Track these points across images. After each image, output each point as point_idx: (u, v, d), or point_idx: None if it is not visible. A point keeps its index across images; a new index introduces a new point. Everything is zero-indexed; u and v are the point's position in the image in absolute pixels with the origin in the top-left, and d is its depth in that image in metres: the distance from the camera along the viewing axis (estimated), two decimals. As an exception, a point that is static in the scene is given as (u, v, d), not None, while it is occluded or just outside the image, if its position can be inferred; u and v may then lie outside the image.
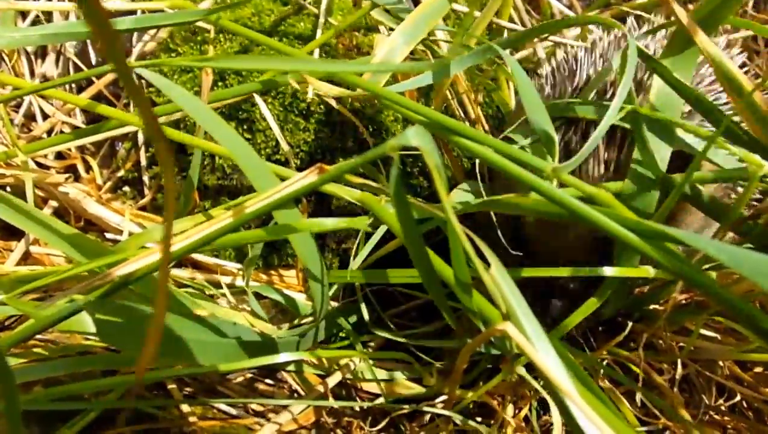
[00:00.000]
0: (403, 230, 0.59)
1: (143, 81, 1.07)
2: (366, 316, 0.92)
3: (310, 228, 0.75)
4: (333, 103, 0.93)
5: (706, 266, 0.75)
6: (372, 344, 0.99)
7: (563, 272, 0.76)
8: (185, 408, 0.81)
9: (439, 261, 0.68)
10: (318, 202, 1.03)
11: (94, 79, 1.06)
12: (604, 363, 0.92)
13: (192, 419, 0.80)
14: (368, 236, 0.90)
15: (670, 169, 0.75)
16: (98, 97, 1.06)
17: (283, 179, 0.68)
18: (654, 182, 0.75)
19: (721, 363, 0.93)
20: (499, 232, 0.85)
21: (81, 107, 1.07)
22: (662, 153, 0.76)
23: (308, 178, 0.61)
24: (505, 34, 1.15)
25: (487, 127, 1.11)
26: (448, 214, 0.52)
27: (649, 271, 0.73)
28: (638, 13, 0.98)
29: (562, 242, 0.86)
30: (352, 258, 0.89)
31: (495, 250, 0.60)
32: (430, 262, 0.65)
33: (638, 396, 0.90)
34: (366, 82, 0.79)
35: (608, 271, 0.74)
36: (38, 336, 0.80)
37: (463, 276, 0.65)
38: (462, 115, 1.09)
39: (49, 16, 1.13)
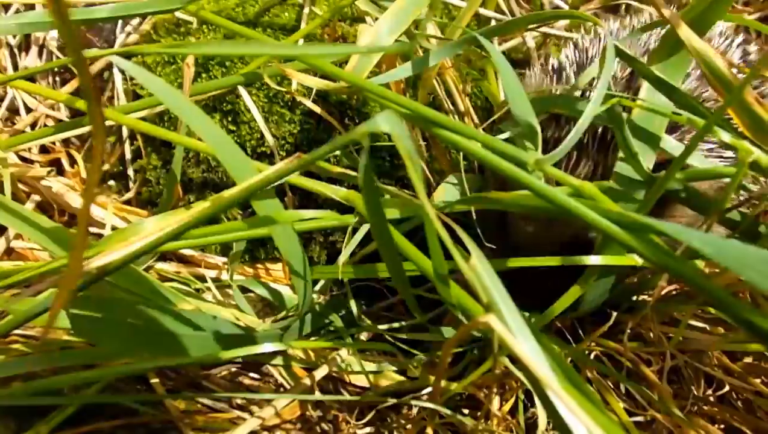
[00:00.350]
0: (370, 217, 0.58)
1: (126, 73, 1.06)
2: (354, 310, 0.92)
3: (289, 220, 0.74)
4: (310, 104, 0.92)
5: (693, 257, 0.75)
6: (360, 338, 0.98)
7: (547, 262, 0.75)
8: (167, 402, 0.80)
9: (418, 253, 0.67)
10: (305, 197, 1.02)
11: (76, 72, 1.05)
12: (592, 355, 0.92)
13: (174, 413, 0.79)
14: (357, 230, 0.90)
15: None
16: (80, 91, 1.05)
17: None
18: (639, 181, 0.75)
19: (710, 353, 0.93)
20: (477, 227, 0.84)
21: (61, 101, 1.06)
22: (648, 152, 0.75)
23: (285, 165, 0.60)
24: (493, 24, 1.14)
25: (476, 119, 1.10)
26: (422, 199, 0.51)
27: (635, 259, 0.73)
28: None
29: (543, 240, 0.86)
30: (343, 252, 0.89)
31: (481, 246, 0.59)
32: (396, 251, 0.64)
33: (626, 388, 0.89)
34: (348, 73, 0.78)
35: (594, 260, 0.73)
36: (19, 332, 0.80)
37: (439, 266, 0.64)
38: (450, 106, 1.08)
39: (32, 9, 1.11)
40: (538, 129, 0.68)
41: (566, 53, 0.97)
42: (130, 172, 1.08)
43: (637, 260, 0.73)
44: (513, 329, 0.54)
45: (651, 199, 0.70)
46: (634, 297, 0.95)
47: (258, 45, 0.74)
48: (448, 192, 0.90)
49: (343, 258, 0.87)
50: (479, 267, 0.56)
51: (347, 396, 0.89)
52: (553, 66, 0.96)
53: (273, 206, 0.75)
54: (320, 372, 0.87)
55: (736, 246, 0.50)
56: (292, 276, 0.80)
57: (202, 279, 0.95)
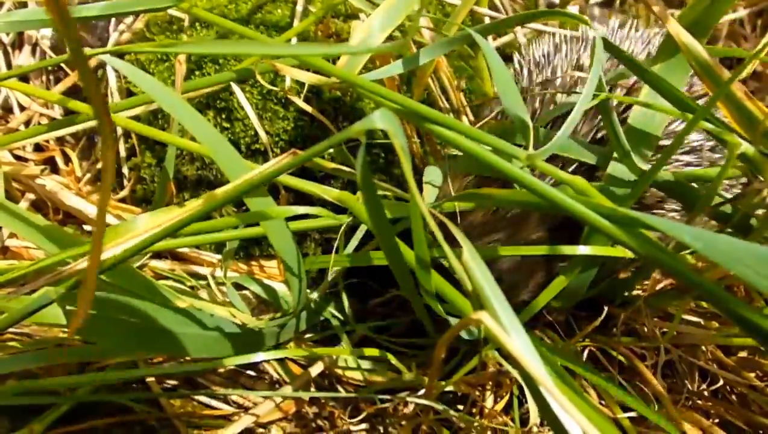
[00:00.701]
0: (370, 215, 0.58)
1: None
2: (347, 307, 0.92)
3: (281, 215, 0.74)
4: (302, 104, 0.92)
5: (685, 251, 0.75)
6: (356, 334, 0.98)
7: (534, 251, 0.75)
8: (163, 399, 0.80)
9: (405, 247, 0.67)
10: (299, 195, 1.01)
11: (68, 71, 1.05)
12: (587, 350, 0.92)
13: (170, 411, 0.79)
14: (353, 229, 0.90)
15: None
16: (74, 90, 1.05)
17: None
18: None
19: (703, 348, 0.93)
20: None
21: (53, 102, 1.06)
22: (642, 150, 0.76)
23: (280, 162, 0.60)
24: (487, 21, 1.14)
25: (471, 116, 1.10)
26: (414, 194, 0.51)
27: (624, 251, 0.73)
28: None
29: None
30: (333, 250, 0.89)
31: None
32: (398, 248, 0.64)
33: (621, 383, 0.89)
34: (341, 70, 0.78)
35: (582, 250, 0.73)
36: (13, 330, 0.80)
37: (422, 254, 0.65)
38: (445, 103, 1.08)
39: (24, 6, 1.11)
40: (530, 123, 0.68)
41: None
42: (125, 170, 1.08)
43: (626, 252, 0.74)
44: (505, 326, 0.54)
45: (639, 189, 0.71)
46: (628, 292, 0.95)
47: (250, 44, 0.74)
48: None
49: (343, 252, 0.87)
50: (471, 264, 0.56)
51: (343, 393, 0.89)
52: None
53: (266, 204, 0.75)
54: (316, 369, 0.87)
55: (726, 241, 0.51)
56: (287, 273, 0.80)
57: (196, 276, 0.95)
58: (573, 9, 1.37)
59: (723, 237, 0.51)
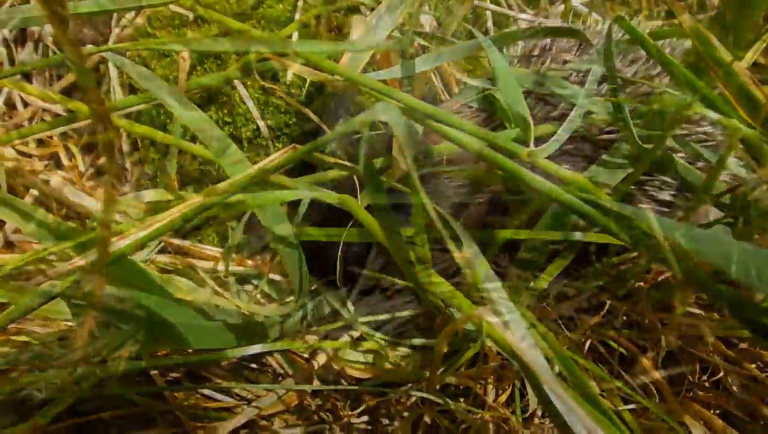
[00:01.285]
0: (375, 208, 0.59)
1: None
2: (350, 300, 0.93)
3: (276, 200, 0.74)
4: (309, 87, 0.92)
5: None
6: (358, 327, 0.99)
7: (523, 235, 0.76)
8: (167, 392, 0.81)
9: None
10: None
11: (79, 83, 1.05)
12: (588, 342, 0.92)
13: (173, 403, 0.80)
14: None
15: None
16: (77, 86, 1.05)
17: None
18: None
19: (704, 339, 0.93)
20: None
21: (54, 101, 1.06)
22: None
23: (280, 156, 0.61)
24: (488, 15, 1.14)
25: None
26: (415, 184, 0.52)
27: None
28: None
29: None
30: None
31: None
32: (403, 241, 0.65)
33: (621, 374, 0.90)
34: (344, 69, 0.78)
35: (578, 236, 0.74)
36: (17, 325, 0.80)
37: (420, 242, 0.65)
38: (447, 96, 1.08)
39: (27, 2, 1.12)
40: (530, 121, 0.68)
41: None
42: (128, 164, 1.08)
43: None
44: (506, 320, 0.55)
45: (641, 169, 0.71)
46: (629, 284, 0.95)
47: (252, 41, 0.74)
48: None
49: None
50: (473, 258, 0.57)
51: (345, 386, 0.90)
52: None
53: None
54: (318, 362, 0.88)
55: (723, 243, 0.50)
56: (288, 265, 0.81)
57: (200, 271, 0.96)
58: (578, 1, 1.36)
59: (719, 238, 0.51)
